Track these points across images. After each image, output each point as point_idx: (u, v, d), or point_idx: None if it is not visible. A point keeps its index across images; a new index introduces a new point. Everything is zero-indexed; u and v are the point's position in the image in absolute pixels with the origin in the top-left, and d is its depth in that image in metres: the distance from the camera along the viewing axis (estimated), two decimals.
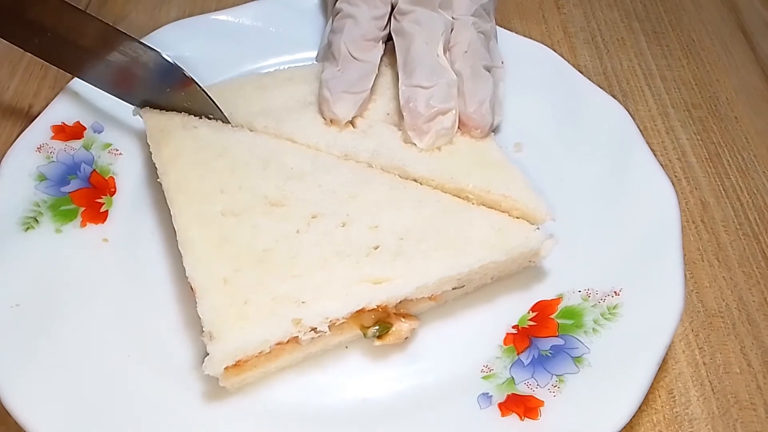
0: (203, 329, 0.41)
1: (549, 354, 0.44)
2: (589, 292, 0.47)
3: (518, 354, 0.45)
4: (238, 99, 0.53)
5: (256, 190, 0.48)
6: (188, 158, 0.49)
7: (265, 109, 0.53)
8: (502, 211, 0.48)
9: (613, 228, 0.50)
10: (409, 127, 0.50)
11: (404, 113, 0.50)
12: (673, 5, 0.75)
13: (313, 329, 0.42)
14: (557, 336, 0.45)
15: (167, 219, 0.47)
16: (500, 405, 0.42)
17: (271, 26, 0.62)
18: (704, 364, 0.48)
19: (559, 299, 0.47)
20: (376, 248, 0.45)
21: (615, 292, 0.46)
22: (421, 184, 0.49)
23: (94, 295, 0.46)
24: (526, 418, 0.41)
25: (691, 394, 0.46)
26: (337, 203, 0.47)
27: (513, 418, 0.41)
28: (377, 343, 0.44)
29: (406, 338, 0.44)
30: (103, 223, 0.50)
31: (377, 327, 0.43)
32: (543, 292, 0.48)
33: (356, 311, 0.43)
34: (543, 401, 0.42)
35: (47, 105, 0.55)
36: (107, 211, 0.51)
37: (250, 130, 0.52)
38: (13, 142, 0.52)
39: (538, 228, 0.47)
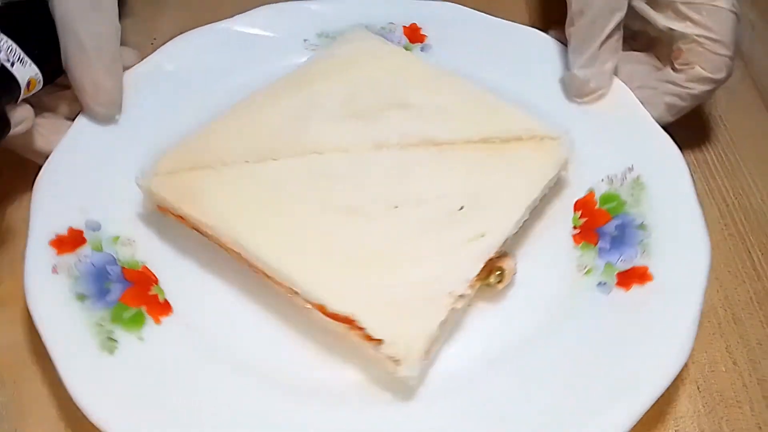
0: (387, 353, 0.41)
1: (617, 233, 0.50)
2: (610, 176, 0.53)
3: (595, 245, 0.50)
4: (244, 135, 0.51)
5: (325, 207, 0.47)
6: (228, 208, 0.47)
7: (273, 132, 0.51)
8: (528, 140, 0.52)
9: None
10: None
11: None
12: None
13: (461, 296, 0.44)
14: (612, 218, 0.51)
15: (228, 272, 0.48)
16: (618, 284, 0.47)
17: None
18: (690, 362, 0.48)
19: (591, 193, 0.52)
20: (460, 209, 0.47)
21: (629, 168, 0.53)
22: (451, 146, 0.51)
23: (206, 383, 0.44)
24: (647, 282, 0.46)
25: (677, 393, 0.47)
26: (401, 188, 0.48)
27: (636, 289, 0.46)
28: (501, 286, 0.47)
29: (514, 274, 0.48)
30: (172, 312, 0.46)
31: (498, 273, 0.46)
32: (574, 195, 0.53)
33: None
34: (647, 266, 0.47)
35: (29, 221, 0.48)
36: (165, 299, 0.47)
37: (274, 159, 0.50)
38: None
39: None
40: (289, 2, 0.64)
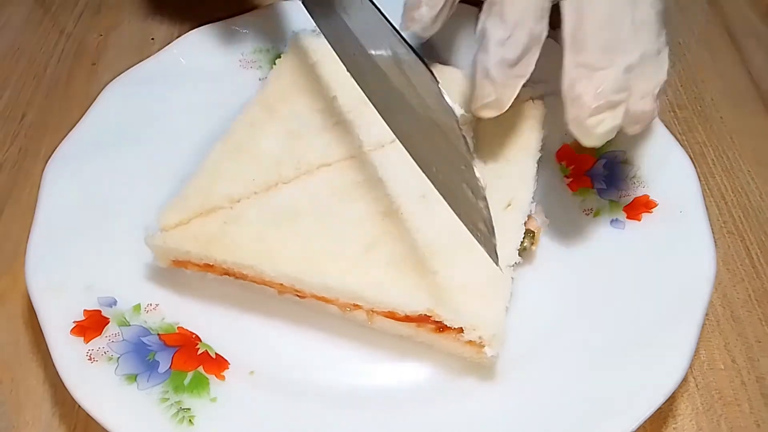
0: (470, 339, 0.42)
1: (608, 172, 0.53)
2: None
3: (592, 187, 0.53)
4: (243, 168, 0.49)
5: (360, 217, 0.46)
6: (261, 243, 0.45)
7: (272, 158, 0.50)
8: None
9: None
10: (573, 122, 0.41)
11: (567, 104, 0.41)
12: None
13: (514, 265, 0.45)
14: (597, 159, 0.54)
15: (260, 305, 0.47)
16: (629, 218, 0.50)
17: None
18: None
19: (565, 143, 0.55)
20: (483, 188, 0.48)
21: None
22: None
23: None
24: (653, 209, 0.50)
25: (675, 390, 0.46)
26: (419, 179, 0.47)
27: (648, 216, 0.50)
28: (534, 248, 0.49)
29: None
30: (228, 364, 0.44)
31: (530, 235, 0.48)
32: (551, 148, 0.55)
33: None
34: (647, 194, 0.51)
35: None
36: (216, 353, 0.44)
37: (285, 183, 0.48)
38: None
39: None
40: (212, 25, 0.62)
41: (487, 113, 0.44)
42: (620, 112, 0.41)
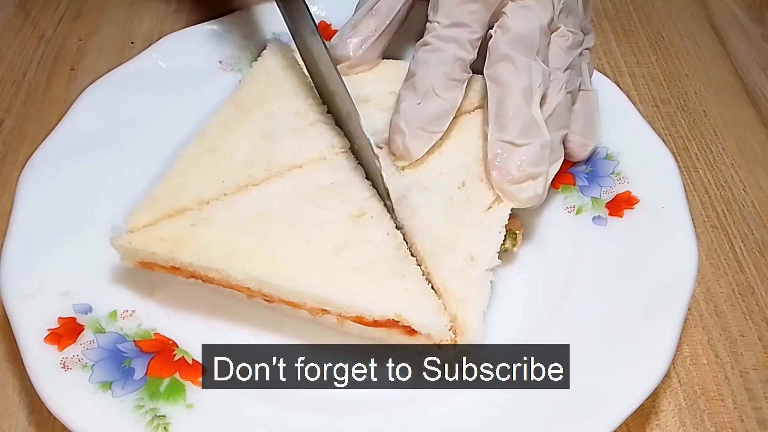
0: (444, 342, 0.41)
1: (590, 169, 0.53)
2: None
3: (575, 184, 0.53)
4: (214, 169, 0.48)
5: (330, 219, 0.46)
6: (228, 246, 0.44)
7: (243, 159, 0.49)
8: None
9: None
10: (497, 185, 0.47)
11: (491, 169, 0.47)
12: (643, 3, 0.76)
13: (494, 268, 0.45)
14: None
15: (235, 309, 0.46)
16: (611, 215, 0.50)
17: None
18: None
19: None
20: (463, 185, 0.47)
21: None
22: None
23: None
24: (635, 205, 0.50)
25: (657, 387, 0.46)
26: (396, 180, 0.48)
27: (629, 212, 0.50)
28: (515, 249, 0.49)
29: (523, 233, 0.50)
30: (206, 370, 0.43)
31: (512, 236, 0.48)
32: None
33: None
34: (629, 190, 0.51)
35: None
36: (194, 359, 0.43)
37: (255, 185, 0.47)
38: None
39: None
40: (192, 27, 0.62)
41: (400, 162, 0.49)
42: (541, 181, 0.46)
